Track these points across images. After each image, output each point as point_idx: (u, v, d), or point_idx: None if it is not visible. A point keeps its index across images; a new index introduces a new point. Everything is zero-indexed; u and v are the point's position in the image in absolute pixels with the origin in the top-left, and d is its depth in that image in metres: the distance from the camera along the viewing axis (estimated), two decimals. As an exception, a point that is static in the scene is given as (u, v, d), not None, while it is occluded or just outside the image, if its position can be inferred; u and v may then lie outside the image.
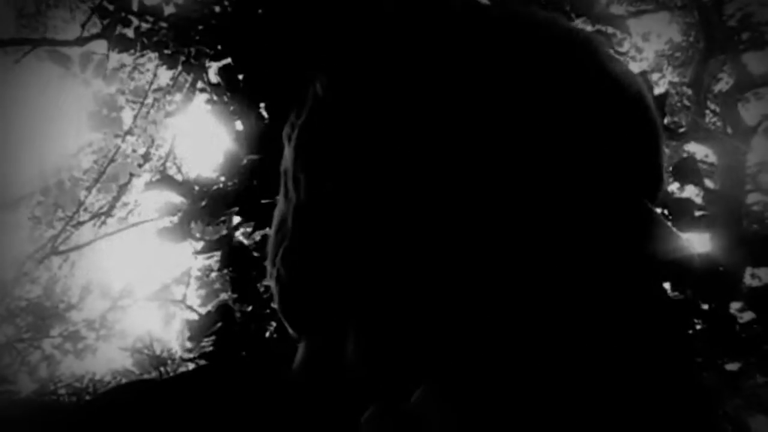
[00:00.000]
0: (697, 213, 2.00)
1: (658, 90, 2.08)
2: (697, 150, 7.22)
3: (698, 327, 1.98)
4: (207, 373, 0.49)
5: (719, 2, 7.37)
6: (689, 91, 7.75)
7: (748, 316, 2.22)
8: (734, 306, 2.19)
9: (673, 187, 2.38)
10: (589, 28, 2.21)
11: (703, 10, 7.33)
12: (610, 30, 2.28)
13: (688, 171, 2.15)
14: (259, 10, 2.76)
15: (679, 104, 7.88)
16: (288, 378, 0.45)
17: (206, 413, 0.42)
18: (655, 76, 8.30)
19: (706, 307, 1.98)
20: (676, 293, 1.95)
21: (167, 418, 0.42)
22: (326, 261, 0.41)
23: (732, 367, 2.16)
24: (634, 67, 7.75)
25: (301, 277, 0.42)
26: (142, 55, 3.69)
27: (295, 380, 0.45)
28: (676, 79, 8.59)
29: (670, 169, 2.36)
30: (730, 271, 1.98)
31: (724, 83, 8.16)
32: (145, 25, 3.53)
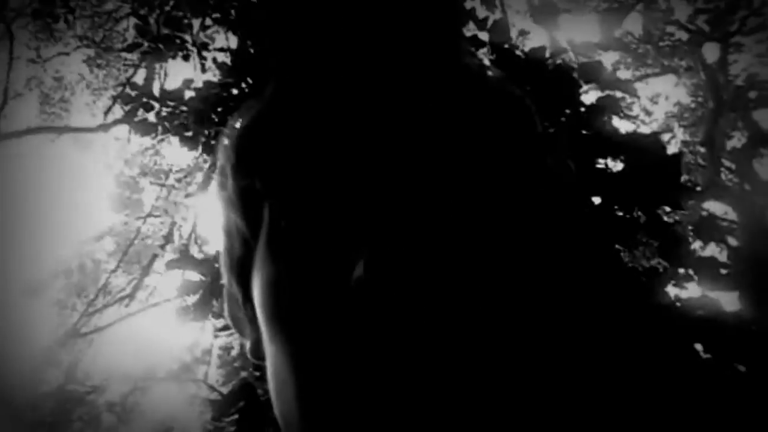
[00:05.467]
0: (723, 271, 1.97)
1: (670, 149, 2.10)
2: (716, 207, 7.17)
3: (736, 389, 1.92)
4: None
5: (724, 63, 7.50)
6: (702, 150, 7.78)
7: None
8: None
9: (696, 245, 2.36)
10: (598, 93, 2.26)
11: (709, 71, 7.45)
12: (619, 94, 2.33)
13: (708, 229, 2.14)
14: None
15: (693, 163, 7.89)
16: None
17: None
18: (666, 137, 8.35)
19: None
20: (709, 355, 1.90)
21: None
22: None
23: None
24: (645, 129, 7.82)
25: None
26: (163, 140, 3.80)
27: None
28: (687, 139, 8.65)
29: (690, 228, 2.35)
30: (763, 331, 1.93)
31: (736, 140, 8.20)
32: (166, 110, 3.65)
